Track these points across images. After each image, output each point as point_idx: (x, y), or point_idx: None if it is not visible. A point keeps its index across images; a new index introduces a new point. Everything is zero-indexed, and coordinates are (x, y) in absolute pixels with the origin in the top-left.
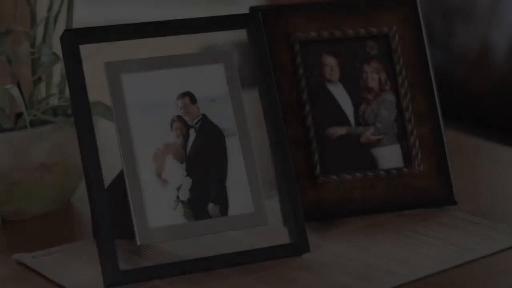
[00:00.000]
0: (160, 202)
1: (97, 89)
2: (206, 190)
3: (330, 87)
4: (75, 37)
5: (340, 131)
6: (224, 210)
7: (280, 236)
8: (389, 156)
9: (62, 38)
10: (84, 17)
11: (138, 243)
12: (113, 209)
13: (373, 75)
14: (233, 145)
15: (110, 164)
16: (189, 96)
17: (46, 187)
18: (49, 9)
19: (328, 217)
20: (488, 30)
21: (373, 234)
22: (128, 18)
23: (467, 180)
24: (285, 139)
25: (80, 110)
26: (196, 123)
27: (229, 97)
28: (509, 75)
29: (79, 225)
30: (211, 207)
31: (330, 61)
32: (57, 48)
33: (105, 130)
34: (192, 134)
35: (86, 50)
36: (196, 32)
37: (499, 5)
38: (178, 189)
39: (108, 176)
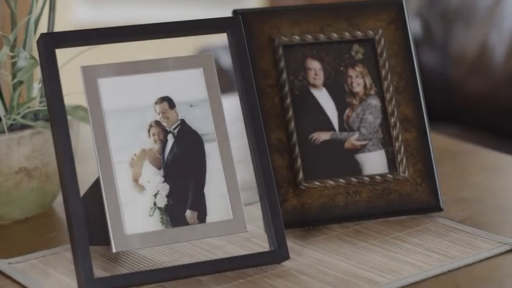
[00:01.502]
0: (136, 209)
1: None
2: (184, 196)
3: (314, 92)
4: (51, 41)
5: (324, 136)
6: (202, 217)
7: (262, 243)
8: (374, 162)
9: (38, 42)
10: (88, 18)
11: (114, 250)
12: (91, 215)
13: (358, 80)
14: (212, 150)
15: (92, 169)
16: (168, 101)
17: (25, 192)
18: (30, 11)
19: (311, 223)
20: (486, 32)
21: (356, 241)
22: (132, 18)
23: (456, 186)
24: (265, 145)
25: (55, 115)
26: (175, 129)
27: (208, 102)
28: (507, 77)
29: (60, 230)
30: (188, 214)
31: (314, 65)
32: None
33: (87, 135)
34: (170, 140)
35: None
36: (175, 36)
37: (498, 8)
38: (155, 195)
39: (90, 181)
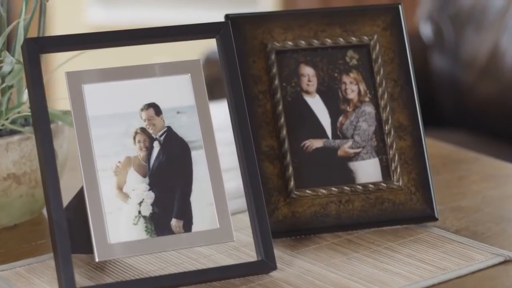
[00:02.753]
0: (120, 217)
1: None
2: (169, 205)
3: (307, 99)
4: (36, 46)
5: (317, 144)
6: (187, 226)
7: (251, 252)
8: (368, 170)
9: (22, 47)
10: (100, 20)
11: (97, 259)
12: (77, 223)
13: (352, 86)
14: (198, 158)
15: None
16: (154, 108)
17: (14, 198)
18: (19, 15)
19: (302, 233)
20: (498, 36)
21: (347, 252)
22: (145, 20)
23: (454, 195)
24: (253, 152)
25: (38, 122)
26: (161, 136)
27: (196, 108)
28: None
29: (48, 238)
30: (174, 222)
31: (308, 72)
32: None
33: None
34: (156, 147)
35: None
36: (163, 41)
37: (509, 11)
38: (140, 203)
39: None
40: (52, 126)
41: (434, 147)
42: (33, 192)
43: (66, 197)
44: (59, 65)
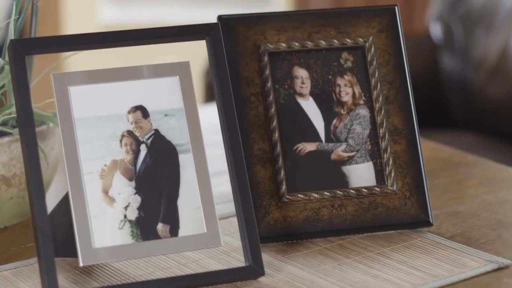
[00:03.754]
0: (106, 221)
1: None
2: (155, 209)
3: (301, 101)
4: (22, 47)
5: (310, 147)
6: (174, 231)
7: (241, 257)
8: (361, 174)
9: (8, 48)
10: (113, 19)
11: (81, 264)
12: (64, 227)
13: (346, 89)
14: (186, 162)
15: None
16: (141, 110)
17: (4, 200)
18: (9, 16)
19: (294, 237)
20: (508, 36)
21: (338, 257)
22: (158, 19)
23: (452, 199)
24: (242, 156)
25: (23, 123)
26: (148, 139)
27: (184, 111)
28: None
29: None
30: (160, 227)
31: (301, 74)
32: None
33: None
34: (143, 150)
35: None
36: (152, 42)
37: None
38: (126, 207)
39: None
40: (43, 128)
41: (435, 150)
42: (24, 194)
43: (58, 200)
44: (53, 65)
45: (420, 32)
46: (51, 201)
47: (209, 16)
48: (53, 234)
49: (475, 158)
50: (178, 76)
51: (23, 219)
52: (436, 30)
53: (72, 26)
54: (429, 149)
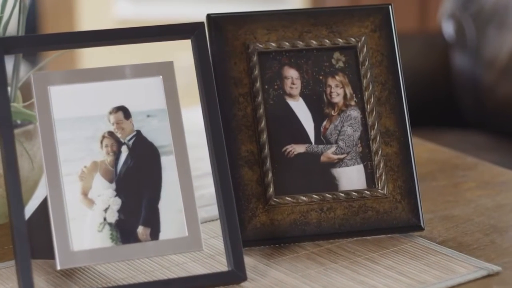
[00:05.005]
0: (84, 224)
1: None
2: (136, 211)
3: (290, 102)
4: (0, 47)
5: (299, 149)
6: (155, 234)
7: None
8: (351, 177)
9: None
10: (129, 14)
11: (58, 267)
12: (46, 228)
13: (337, 90)
14: (168, 164)
15: None
16: (123, 111)
17: None
18: None
19: (281, 241)
20: None
21: (325, 262)
22: (174, 15)
23: (446, 202)
24: (226, 159)
25: (1, 121)
26: (129, 140)
27: (167, 112)
28: None
29: None
30: (140, 230)
31: (292, 74)
32: None
33: None
34: (124, 152)
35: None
36: (136, 42)
37: None
38: (106, 210)
39: None
40: (30, 127)
41: (434, 152)
42: None
43: None
44: (45, 62)
45: (433, 30)
46: (39, 202)
47: None
48: (34, 236)
49: (474, 160)
50: (161, 76)
51: (7, 220)
52: (448, 28)
53: (87, 22)
54: (428, 150)
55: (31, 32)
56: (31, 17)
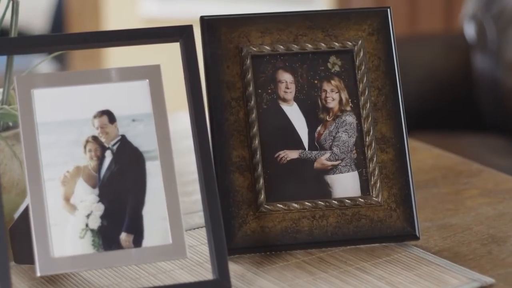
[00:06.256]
0: (66, 230)
1: None
2: (119, 218)
3: (284, 107)
4: None
5: (292, 155)
6: (138, 241)
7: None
8: (345, 184)
9: None
10: (155, 13)
11: (38, 274)
12: (29, 233)
13: (333, 94)
14: (153, 169)
15: None
16: (108, 115)
17: None
18: None
19: (272, 249)
20: None
21: (315, 271)
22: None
23: (446, 210)
24: (212, 166)
25: None
26: (114, 145)
27: (153, 116)
28: None
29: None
30: (123, 236)
31: (286, 78)
32: None
33: None
34: (108, 157)
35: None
36: (124, 44)
37: None
38: (88, 216)
39: None
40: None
41: (439, 158)
42: None
43: None
44: (38, 63)
45: (455, 32)
46: None
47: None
48: (20, 241)
49: (480, 167)
50: (147, 80)
51: None
52: (469, 30)
53: (113, 21)
54: (433, 156)
55: (58, 31)
56: (58, 17)
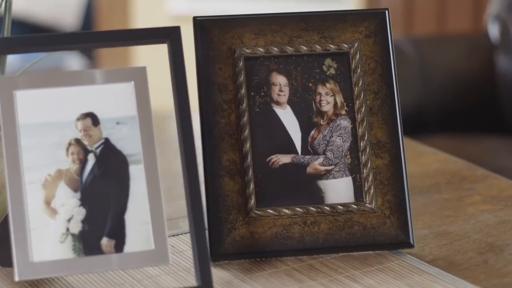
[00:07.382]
0: (46, 234)
1: None
2: (101, 222)
3: (277, 110)
4: None
5: (284, 159)
6: (119, 246)
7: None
8: (338, 190)
9: None
10: (183, 10)
11: (16, 279)
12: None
13: (327, 98)
14: (137, 173)
15: None
16: (91, 117)
17: None
18: None
19: (261, 255)
20: None
21: (303, 279)
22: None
23: (446, 217)
24: (197, 171)
25: None
26: (97, 148)
27: (137, 119)
28: None
29: None
30: (105, 242)
31: (280, 80)
32: None
33: None
34: (91, 160)
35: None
36: (112, 45)
37: None
38: (69, 220)
39: None
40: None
41: (444, 162)
42: None
43: None
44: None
45: (479, 32)
46: None
47: (280, 11)
48: (4, 243)
49: (485, 172)
50: (133, 82)
51: None
52: (493, 30)
53: (141, 18)
54: (439, 161)
55: (88, 29)
56: (88, 14)
